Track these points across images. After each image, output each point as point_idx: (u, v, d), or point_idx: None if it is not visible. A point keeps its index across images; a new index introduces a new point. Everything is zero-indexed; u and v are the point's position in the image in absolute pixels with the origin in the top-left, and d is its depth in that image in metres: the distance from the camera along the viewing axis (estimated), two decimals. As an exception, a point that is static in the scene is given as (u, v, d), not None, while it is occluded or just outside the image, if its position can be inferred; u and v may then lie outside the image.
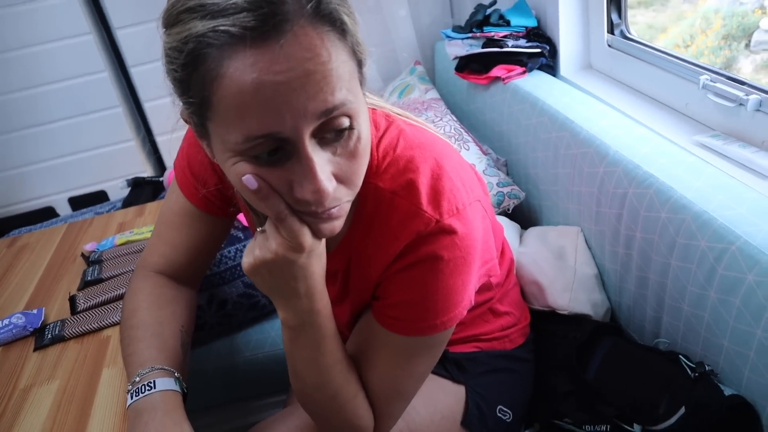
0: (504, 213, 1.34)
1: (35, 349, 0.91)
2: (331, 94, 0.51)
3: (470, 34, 1.54)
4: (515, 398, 0.92)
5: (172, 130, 0.66)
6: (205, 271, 0.92)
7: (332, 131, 0.53)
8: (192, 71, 0.50)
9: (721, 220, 0.83)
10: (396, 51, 1.92)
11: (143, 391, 0.69)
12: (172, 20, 0.51)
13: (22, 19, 1.69)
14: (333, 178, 0.54)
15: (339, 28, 0.51)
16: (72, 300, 1.00)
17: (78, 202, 1.97)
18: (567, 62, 1.48)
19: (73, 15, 1.72)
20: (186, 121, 0.59)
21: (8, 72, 1.75)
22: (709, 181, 0.91)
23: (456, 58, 1.59)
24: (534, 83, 1.38)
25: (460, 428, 0.85)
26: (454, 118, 1.54)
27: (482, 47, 1.49)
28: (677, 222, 0.89)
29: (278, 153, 0.52)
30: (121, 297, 0.98)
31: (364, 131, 0.57)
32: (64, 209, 1.98)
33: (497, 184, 1.33)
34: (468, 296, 0.69)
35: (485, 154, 1.43)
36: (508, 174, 1.42)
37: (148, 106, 1.90)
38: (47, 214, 1.96)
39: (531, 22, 1.49)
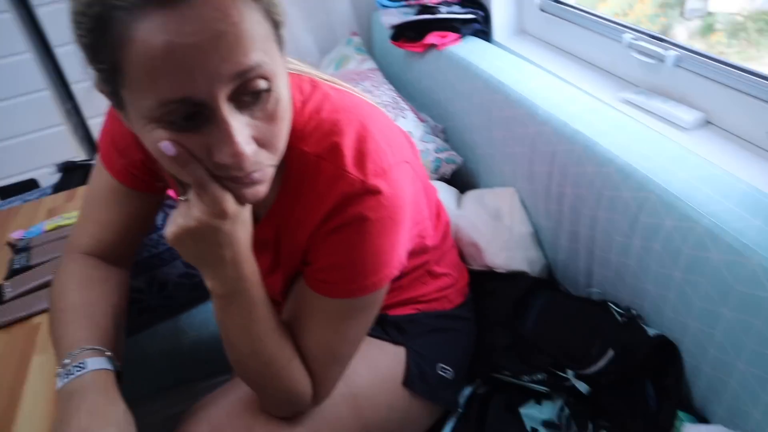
0: (443, 178, 1.35)
1: (-39, 342, 0.87)
2: (245, 55, 0.50)
3: (404, 2, 1.54)
4: (456, 356, 0.94)
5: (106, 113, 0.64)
6: (136, 250, 0.90)
7: (249, 94, 0.53)
8: (99, 36, 0.49)
9: (642, 170, 0.86)
10: (332, 23, 1.89)
11: (73, 372, 0.67)
12: None
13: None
14: (252, 141, 0.54)
15: None
16: (-2, 289, 0.96)
17: (6, 192, 1.88)
18: (500, 27, 1.50)
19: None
20: (101, 92, 0.57)
21: None
22: (632, 135, 0.94)
23: (392, 27, 1.58)
24: (468, 49, 1.39)
25: (402, 388, 0.86)
26: (392, 88, 1.54)
27: (416, 14, 1.49)
28: (603, 175, 0.92)
29: (195, 118, 0.52)
30: (50, 283, 0.95)
31: (284, 94, 0.56)
32: (-9, 200, 1.90)
33: (435, 151, 1.34)
34: (398, 256, 0.69)
35: (422, 121, 1.44)
36: (446, 140, 1.43)
37: (76, 88, 1.82)
38: (-27, 206, 1.88)
39: (464, -12, 1.49)
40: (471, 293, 1.03)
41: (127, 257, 0.88)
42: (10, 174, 1.87)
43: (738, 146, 0.95)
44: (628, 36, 1.14)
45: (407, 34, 1.53)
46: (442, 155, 1.34)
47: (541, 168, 1.07)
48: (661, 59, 1.07)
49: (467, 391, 0.97)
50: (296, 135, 0.66)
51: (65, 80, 1.82)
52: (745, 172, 0.85)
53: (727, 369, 0.78)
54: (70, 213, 1.17)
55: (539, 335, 0.96)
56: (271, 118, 0.55)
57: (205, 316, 1.31)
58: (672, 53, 1.04)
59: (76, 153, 1.90)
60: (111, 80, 0.52)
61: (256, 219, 0.72)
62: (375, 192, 0.64)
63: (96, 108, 1.87)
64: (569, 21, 1.33)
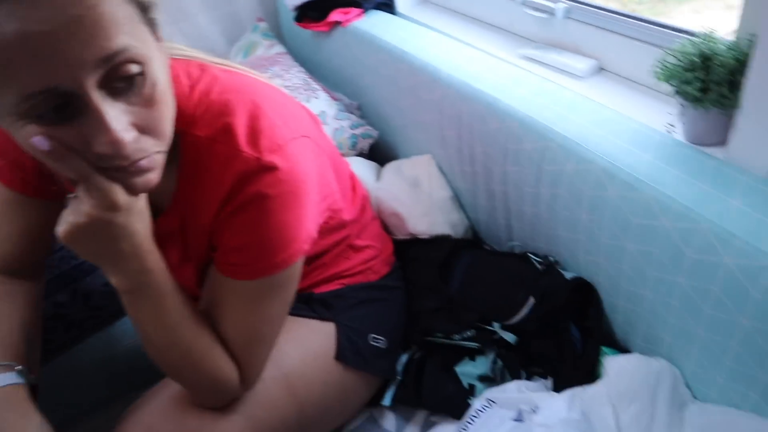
0: (361, 154, 1.35)
1: None
2: (108, 39, 0.48)
3: (304, -18, 1.51)
4: (388, 325, 0.95)
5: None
6: (44, 259, 0.86)
7: (121, 79, 0.51)
8: None
9: (542, 121, 0.89)
10: (236, 11, 1.85)
11: None
12: None
13: None
14: (132, 128, 0.52)
15: None
16: None
17: None
18: (403, -2, 1.50)
19: None
20: None
21: None
22: (530, 88, 0.96)
23: (295, 8, 1.56)
24: (372, 23, 1.38)
25: (335, 363, 0.86)
26: (302, 70, 1.52)
27: (317, -7, 1.47)
28: (506, 130, 0.94)
29: (66, 109, 0.50)
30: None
31: (161, 77, 0.55)
32: None
33: (350, 127, 1.34)
34: (306, 230, 0.69)
35: (336, 100, 1.43)
36: (362, 116, 1.43)
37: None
38: None
39: (361, -38, 1.48)
40: (397, 262, 1.04)
41: (34, 268, 0.84)
42: None
43: (628, 88, 0.99)
44: (521, -7, 1.17)
45: (310, 14, 1.52)
46: (358, 131, 1.34)
47: (451, 132, 1.08)
48: (551, 13, 1.10)
49: (404, 358, 0.98)
50: (187, 120, 0.65)
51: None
52: (635, 111, 0.89)
53: (638, 299, 0.82)
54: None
55: (466, 294, 0.98)
56: (148, 102, 0.53)
57: (135, 323, 1.27)
58: (561, 6, 1.07)
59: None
60: None
61: (161, 210, 0.70)
62: (271, 168, 0.63)
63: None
64: (467, -15, 1.34)
